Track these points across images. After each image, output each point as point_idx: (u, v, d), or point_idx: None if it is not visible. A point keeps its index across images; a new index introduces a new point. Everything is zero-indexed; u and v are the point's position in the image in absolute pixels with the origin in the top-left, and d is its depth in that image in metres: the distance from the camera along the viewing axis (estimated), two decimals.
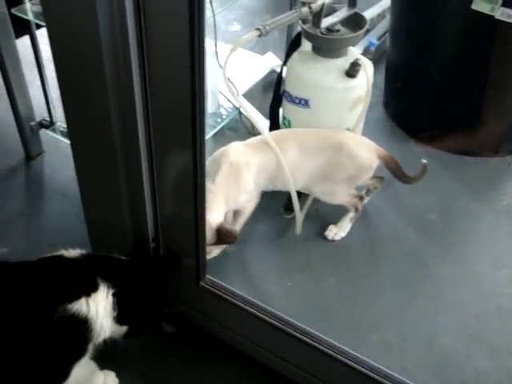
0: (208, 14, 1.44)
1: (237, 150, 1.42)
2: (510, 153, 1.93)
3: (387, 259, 1.56)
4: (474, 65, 1.72)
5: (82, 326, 0.95)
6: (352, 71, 1.44)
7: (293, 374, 1.22)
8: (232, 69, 1.70)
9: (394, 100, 2.08)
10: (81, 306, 0.94)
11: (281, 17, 1.29)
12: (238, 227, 1.49)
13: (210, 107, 1.88)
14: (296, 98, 1.51)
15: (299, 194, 1.60)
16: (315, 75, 1.47)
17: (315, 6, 1.33)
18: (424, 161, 1.56)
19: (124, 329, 1.07)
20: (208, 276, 1.25)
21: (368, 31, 2.38)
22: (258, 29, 1.25)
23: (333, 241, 1.58)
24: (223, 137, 1.83)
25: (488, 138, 1.89)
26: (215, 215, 1.35)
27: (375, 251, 1.58)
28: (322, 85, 1.46)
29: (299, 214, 1.50)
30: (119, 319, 1.03)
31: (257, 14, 2.72)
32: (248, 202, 1.46)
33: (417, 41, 1.88)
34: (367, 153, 1.51)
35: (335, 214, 1.60)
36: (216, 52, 1.49)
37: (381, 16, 2.48)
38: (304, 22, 1.45)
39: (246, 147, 1.44)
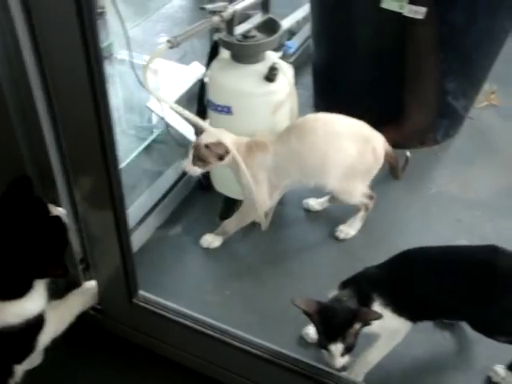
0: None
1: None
2: (436, 143, 2.00)
3: (323, 256, 1.58)
4: (391, 61, 1.78)
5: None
6: (270, 75, 1.45)
7: (235, 383, 1.22)
8: (158, 81, 1.69)
9: (322, 101, 2.12)
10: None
11: (191, 27, 1.29)
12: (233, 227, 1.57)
13: (139, 121, 1.87)
14: (219, 106, 1.51)
15: (234, 201, 1.61)
16: (235, 82, 1.48)
17: (226, 15, 1.34)
18: (408, 153, 1.65)
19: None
20: (141, 292, 1.24)
21: (294, 34, 2.43)
22: (169, 41, 1.25)
23: (343, 240, 1.62)
24: (153, 150, 1.81)
25: (413, 130, 1.95)
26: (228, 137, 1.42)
27: (312, 249, 1.61)
28: (243, 91, 1.47)
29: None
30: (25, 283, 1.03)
31: (184, 25, 2.71)
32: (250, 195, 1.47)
33: (337, 42, 1.93)
34: (381, 146, 1.55)
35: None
36: (132, 64, 1.48)
37: (306, 19, 2.52)
38: (219, 30, 1.46)
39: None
